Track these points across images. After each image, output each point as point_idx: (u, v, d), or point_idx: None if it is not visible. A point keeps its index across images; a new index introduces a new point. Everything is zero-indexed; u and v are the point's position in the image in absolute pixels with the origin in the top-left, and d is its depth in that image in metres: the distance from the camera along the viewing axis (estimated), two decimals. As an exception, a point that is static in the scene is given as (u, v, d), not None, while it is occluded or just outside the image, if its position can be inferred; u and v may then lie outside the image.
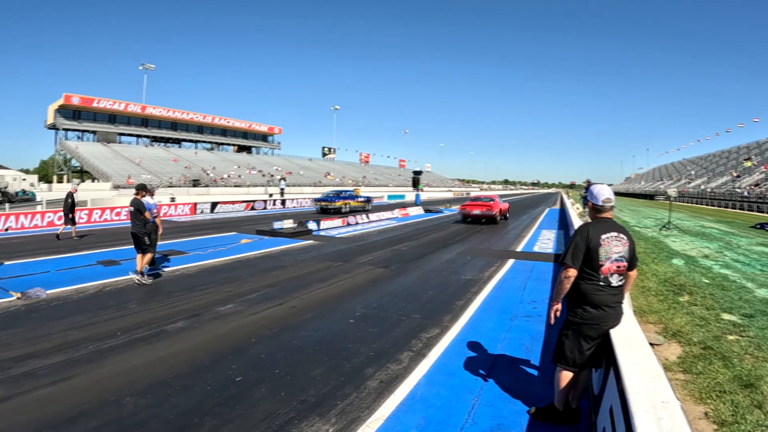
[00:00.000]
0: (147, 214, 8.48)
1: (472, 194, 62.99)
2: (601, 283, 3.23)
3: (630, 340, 3.20)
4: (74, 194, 14.12)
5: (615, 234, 3.26)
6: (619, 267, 3.25)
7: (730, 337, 5.69)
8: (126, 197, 28.33)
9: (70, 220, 13.77)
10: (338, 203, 25.40)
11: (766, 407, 3.86)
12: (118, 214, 20.12)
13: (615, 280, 3.26)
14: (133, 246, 8.43)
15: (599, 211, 3.39)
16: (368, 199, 29.12)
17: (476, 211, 20.97)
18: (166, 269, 9.30)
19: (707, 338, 5.56)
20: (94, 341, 5.20)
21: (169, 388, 4.11)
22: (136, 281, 8.07)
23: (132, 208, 8.36)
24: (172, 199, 28.55)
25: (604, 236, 3.22)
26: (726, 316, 6.58)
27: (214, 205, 25.33)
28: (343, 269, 9.75)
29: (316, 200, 27.09)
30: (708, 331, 5.84)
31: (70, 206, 13.68)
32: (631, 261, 3.33)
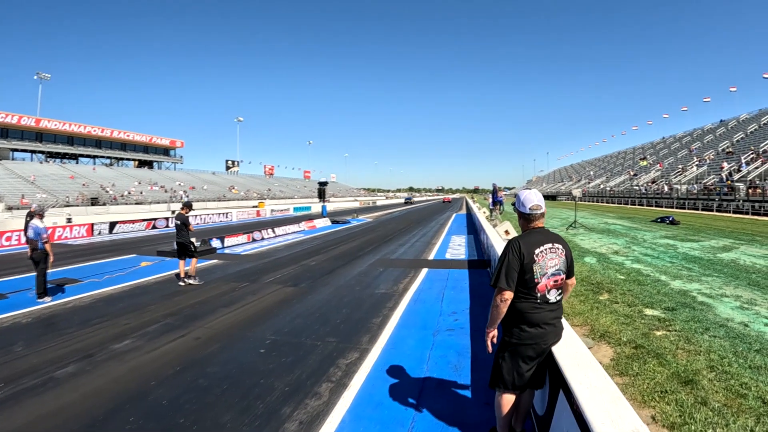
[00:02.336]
0: (191, 227, 9.96)
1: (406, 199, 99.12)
2: (538, 301, 2.88)
3: (576, 358, 2.81)
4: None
5: (549, 246, 2.92)
6: (556, 281, 2.93)
7: (658, 333, 5.64)
8: (21, 219, 25.12)
9: None
10: (413, 199, 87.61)
11: (711, 403, 3.76)
12: (9, 239, 17.57)
13: (553, 296, 2.93)
14: (20, 277, 8.71)
15: (529, 220, 3.02)
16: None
17: (446, 201, 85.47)
18: (57, 302, 7.99)
19: (636, 336, 5.46)
20: (-27, 397, 4.22)
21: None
22: (193, 283, 9.43)
23: (178, 222, 9.81)
24: (69, 220, 25.73)
25: (537, 251, 2.87)
26: (649, 312, 6.61)
27: (112, 225, 23.08)
28: (249, 290, 8.89)
29: (405, 199, 69.86)
30: (635, 329, 5.76)
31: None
32: (569, 270, 3.01)
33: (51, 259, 8.27)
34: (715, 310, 6.72)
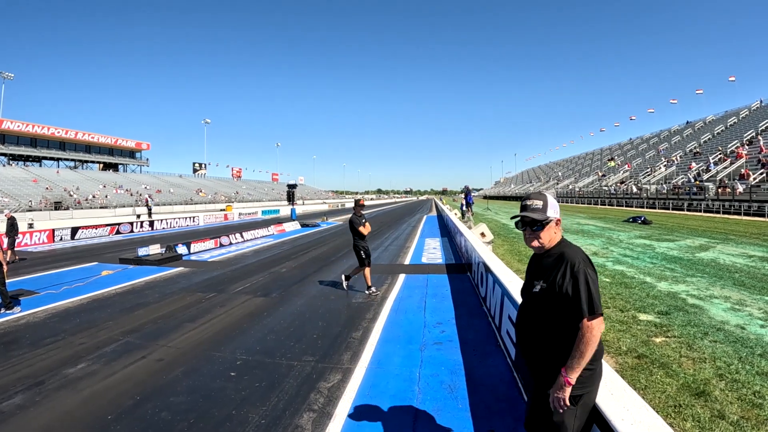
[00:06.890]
0: (361, 229, 8.51)
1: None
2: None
3: (606, 384, 2.35)
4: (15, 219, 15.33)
5: None
6: None
7: (658, 340, 5.38)
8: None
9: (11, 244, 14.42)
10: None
11: (729, 416, 3.56)
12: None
13: None
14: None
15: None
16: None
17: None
18: (9, 317, 7.26)
19: (636, 345, 5.18)
20: None
21: None
22: (368, 293, 8.55)
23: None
24: (30, 225, 24.38)
25: None
26: (643, 317, 6.36)
27: (74, 230, 21.90)
28: (217, 301, 8.26)
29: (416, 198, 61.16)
30: (633, 336, 5.49)
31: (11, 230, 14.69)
32: None
33: (5, 268, 7.59)
34: (708, 312, 6.56)
